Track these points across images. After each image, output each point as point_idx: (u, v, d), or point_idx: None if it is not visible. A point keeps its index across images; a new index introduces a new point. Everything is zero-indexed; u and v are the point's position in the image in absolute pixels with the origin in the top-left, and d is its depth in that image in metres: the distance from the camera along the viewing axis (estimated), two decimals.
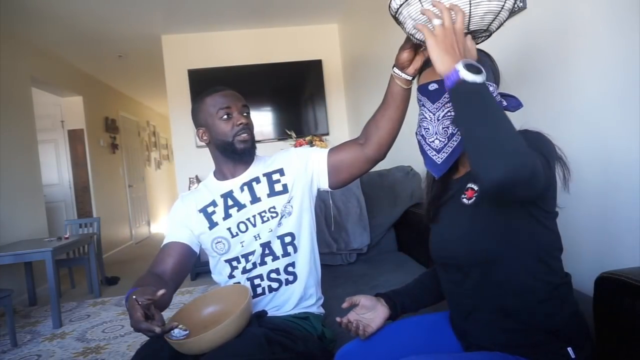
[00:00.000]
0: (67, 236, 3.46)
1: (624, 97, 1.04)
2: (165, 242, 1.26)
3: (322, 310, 1.33)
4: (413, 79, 1.04)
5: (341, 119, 4.43)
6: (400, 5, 0.87)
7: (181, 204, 1.30)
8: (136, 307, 0.90)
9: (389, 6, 0.90)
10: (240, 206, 1.25)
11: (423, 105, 0.92)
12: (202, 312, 1.14)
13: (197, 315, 1.12)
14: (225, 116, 1.23)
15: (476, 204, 0.87)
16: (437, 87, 0.88)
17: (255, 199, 1.25)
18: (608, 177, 1.12)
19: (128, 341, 2.54)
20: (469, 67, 0.70)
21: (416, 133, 0.94)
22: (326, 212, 2.11)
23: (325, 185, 1.29)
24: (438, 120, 0.88)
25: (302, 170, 1.28)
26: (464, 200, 0.90)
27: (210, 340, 0.96)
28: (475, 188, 0.88)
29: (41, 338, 2.73)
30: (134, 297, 0.92)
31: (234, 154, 1.25)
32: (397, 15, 0.91)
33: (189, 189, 3.99)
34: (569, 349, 0.81)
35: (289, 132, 3.69)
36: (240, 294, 1.11)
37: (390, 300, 1.06)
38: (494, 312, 0.86)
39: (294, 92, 4.38)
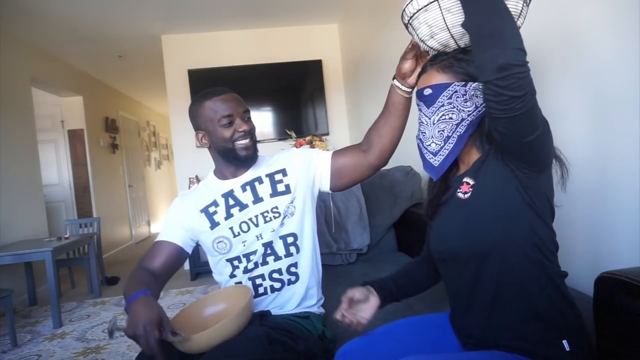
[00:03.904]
0: (67, 236, 3.46)
1: (623, 97, 1.04)
2: (159, 238, 1.26)
3: (322, 310, 1.33)
4: (414, 88, 1.04)
5: (341, 119, 4.43)
6: (418, 11, 0.87)
7: (181, 203, 1.30)
8: (154, 334, 0.90)
9: (404, 11, 0.90)
10: (242, 206, 1.24)
11: (420, 109, 0.94)
12: (204, 312, 1.15)
13: (199, 315, 1.13)
14: (227, 123, 1.21)
15: (472, 197, 0.89)
16: (432, 92, 0.90)
17: (257, 199, 1.25)
18: (606, 178, 1.12)
19: (128, 341, 2.53)
20: None
21: (416, 136, 0.96)
22: (326, 212, 2.11)
23: (326, 187, 1.30)
24: (434, 124, 0.90)
25: (305, 170, 1.28)
26: (460, 194, 0.91)
27: (209, 339, 0.96)
28: (471, 182, 0.90)
29: (41, 338, 2.73)
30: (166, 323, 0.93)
31: (235, 159, 1.24)
32: (411, 21, 0.91)
33: (189, 189, 3.99)
34: (564, 342, 0.82)
35: (289, 132, 3.68)
36: (242, 295, 1.11)
37: (381, 291, 1.09)
38: (492, 303, 0.87)
39: (294, 92, 4.39)
